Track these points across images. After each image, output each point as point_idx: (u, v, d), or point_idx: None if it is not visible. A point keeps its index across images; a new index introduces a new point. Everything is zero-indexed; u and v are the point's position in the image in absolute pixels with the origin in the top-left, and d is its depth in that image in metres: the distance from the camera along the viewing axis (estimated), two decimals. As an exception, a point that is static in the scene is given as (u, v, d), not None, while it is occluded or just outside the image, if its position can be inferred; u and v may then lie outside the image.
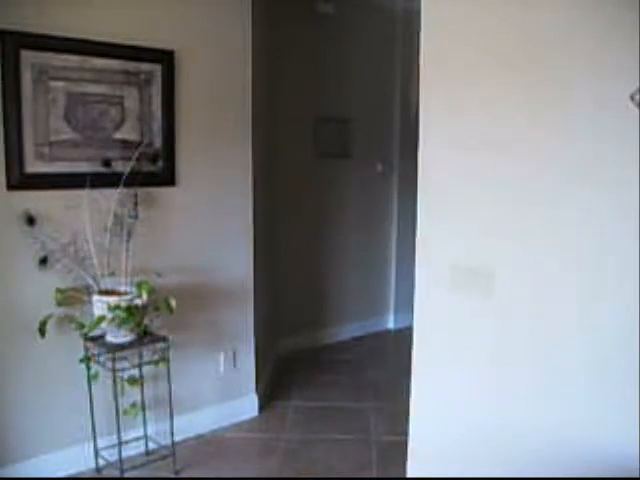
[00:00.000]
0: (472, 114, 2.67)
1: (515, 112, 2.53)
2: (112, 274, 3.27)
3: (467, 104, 2.69)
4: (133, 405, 3.44)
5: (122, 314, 3.07)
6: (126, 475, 3.25)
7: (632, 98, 2.26)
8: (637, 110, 2.20)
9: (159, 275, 3.40)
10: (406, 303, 5.90)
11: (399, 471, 3.20)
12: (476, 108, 2.57)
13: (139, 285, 3.20)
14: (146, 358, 3.39)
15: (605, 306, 2.21)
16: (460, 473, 2.80)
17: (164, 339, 3.34)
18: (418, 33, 2.87)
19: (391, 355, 5.52)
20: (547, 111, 2.43)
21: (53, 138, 3.17)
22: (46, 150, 3.15)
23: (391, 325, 6.12)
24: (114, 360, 3.15)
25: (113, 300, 3.10)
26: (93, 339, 3.24)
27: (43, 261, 3.16)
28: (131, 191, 3.34)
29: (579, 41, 2.33)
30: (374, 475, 3.45)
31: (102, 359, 3.27)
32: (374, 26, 5.57)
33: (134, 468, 3.36)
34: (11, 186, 3.08)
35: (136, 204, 3.37)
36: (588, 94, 2.31)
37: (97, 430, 3.39)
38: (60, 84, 3.16)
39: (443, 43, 2.81)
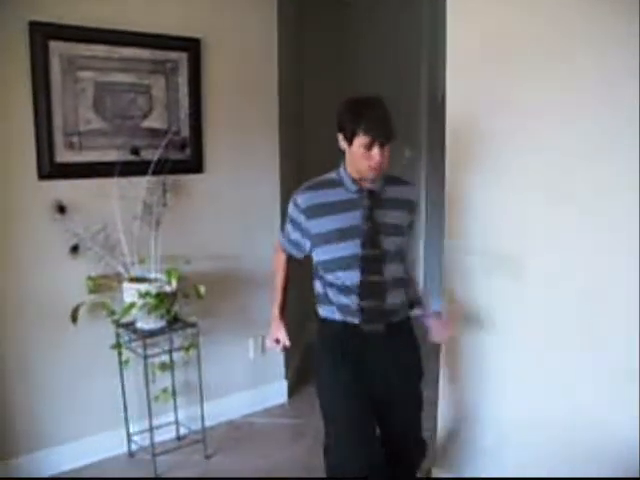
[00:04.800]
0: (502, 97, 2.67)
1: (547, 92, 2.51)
2: (142, 261, 3.30)
3: (496, 85, 2.68)
4: (164, 391, 3.49)
5: (152, 301, 3.11)
6: (158, 459, 3.30)
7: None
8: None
9: (188, 262, 3.42)
10: (434, 288, 5.88)
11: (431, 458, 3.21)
12: (505, 88, 2.54)
13: (168, 272, 3.23)
14: (176, 344, 3.43)
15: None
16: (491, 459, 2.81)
17: (194, 325, 3.38)
18: (444, 16, 2.85)
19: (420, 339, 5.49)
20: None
21: (82, 128, 3.21)
22: (76, 140, 3.19)
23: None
24: (145, 346, 3.19)
25: (143, 287, 3.13)
26: (124, 326, 3.29)
27: (74, 249, 3.21)
28: (160, 179, 3.37)
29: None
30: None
31: (133, 345, 3.31)
32: (400, 10, 5.51)
33: (166, 453, 3.41)
34: (42, 176, 3.12)
35: (164, 192, 3.39)
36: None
37: (129, 415, 3.45)
38: (88, 74, 3.19)
39: (469, 27, 2.80)
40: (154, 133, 3.42)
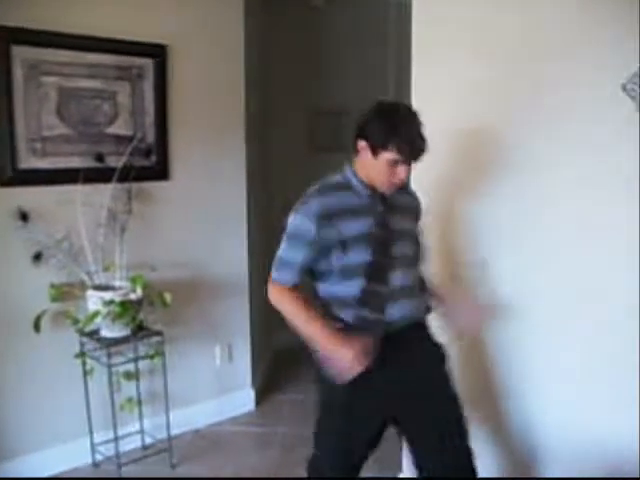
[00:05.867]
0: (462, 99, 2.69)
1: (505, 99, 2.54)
2: (106, 269, 3.27)
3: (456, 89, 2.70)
4: (129, 400, 3.45)
5: (116, 309, 3.07)
6: (124, 469, 3.25)
7: (624, 88, 2.27)
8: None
9: (154, 269, 3.39)
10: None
11: (394, 461, 3.22)
12: (467, 92, 2.56)
13: (133, 280, 3.20)
14: (142, 353, 3.38)
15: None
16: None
17: (159, 333, 3.35)
18: (410, 23, 2.88)
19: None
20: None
21: (46, 133, 3.17)
22: (39, 146, 3.15)
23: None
24: (109, 355, 3.15)
25: (107, 295, 3.10)
26: (88, 334, 3.24)
27: (37, 257, 3.16)
28: (124, 186, 3.34)
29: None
30: (371, 467, 3.45)
31: (97, 354, 3.26)
32: (367, 18, 5.54)
33: (131, 463, 3.36)
34: (4, 182, 3.08)
35: (129, 199, 3.36)
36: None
37: (94, 425, 3.40)
38: (52, 79, 3.15)
39: (433, 32, 2.82)
40: (119, 140, 3.39)
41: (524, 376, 2.63)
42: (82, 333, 3.24)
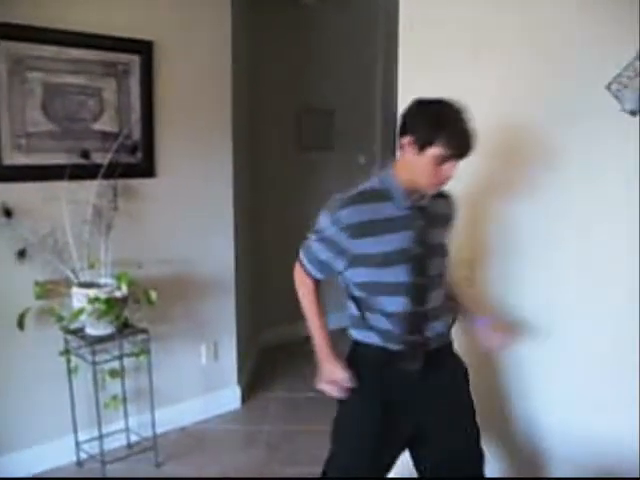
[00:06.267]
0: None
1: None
2: (91, 266, 3.25)
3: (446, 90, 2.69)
4: (114, 398, 3.43)
5: (101, 306, 3.06)
6: (108, 468, 3.24)
7: (608, 88, 2.28)
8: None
9: (140, 267, 3.38)
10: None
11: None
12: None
13: (119, 277, 3.18)
14: (127, 350, 3.37)
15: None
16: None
17: (144, 331, 3.33)
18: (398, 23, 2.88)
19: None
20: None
21: (31, 129, 3.14)
22: (23, 142, 3.12)
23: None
24: (94, 353, 3.13)
25: (92, 292, 3.08)
26: (73, 332, 3.22)
27: (21, 254, 3.13)
28: (110, 183, 3.32)
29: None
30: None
31: (82, 352, 3.25)
32: (356, 16, 5.55)
33: (116, 461, 3.34)
34: (-12, 178, 3.05)
35: (115, 196, 3.34)
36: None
37: (78, 423, 3.38)
38: (37, 75, 3.13)
39: (421, 32, 2.82)
40: (105, 136, 3.36)
41: (525, 377, 2.64)
42: (67, 331, 3.22)
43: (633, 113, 2.24)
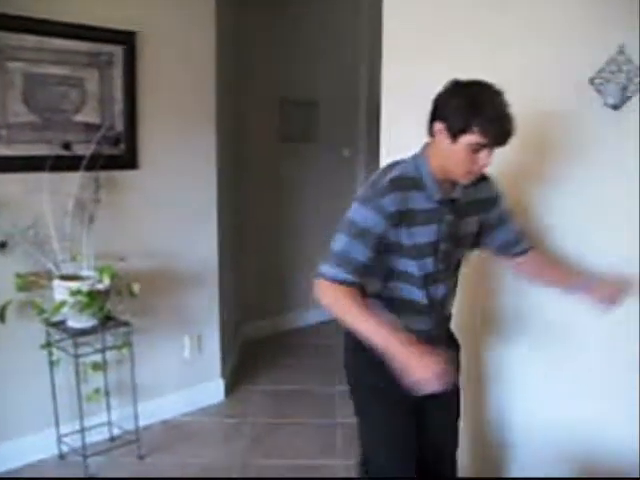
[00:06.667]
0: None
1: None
2: (74, 259, 3.23)
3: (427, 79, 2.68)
4: (97, 391, 3.41)
5: (84, 299, 3.04)
6: (90, 461, 3.22)
7: (591, 82, 2.29)
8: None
9: (122, 259, 3.35)
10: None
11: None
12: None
13: (101, 270, 3.16)
14: (109, 343, 3.35)
15: None
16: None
17: (127, 324, 3.32)
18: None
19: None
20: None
21: (11, 120, 3.10)
22: (4, 133, 3.08)
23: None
24: (76, 345, 3.11)
25: (74, 285, 3.06)
26: (55, 324, 3.20)
27: (2, 246, 3.10)
28: (93, 175, 3.29)
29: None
30: (340, 456, 3.47)
31: (64, 344, 3.23)
32: (340, 8, 5.53)
33: (98, 454, 3.33)
34: (-32, 170, 3.02)
35: (98, 187, 3.32)
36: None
37: (61, 416, 3.36)
38: (18, 65, 3.09)
39: (404, 25, 2.82)
40: (87, 128, 3.33)
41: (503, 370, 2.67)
42: (48, 323, 3.20)
43: (615, 107, 2.25)
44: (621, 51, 2.20)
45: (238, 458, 3.46)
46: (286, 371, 4.68)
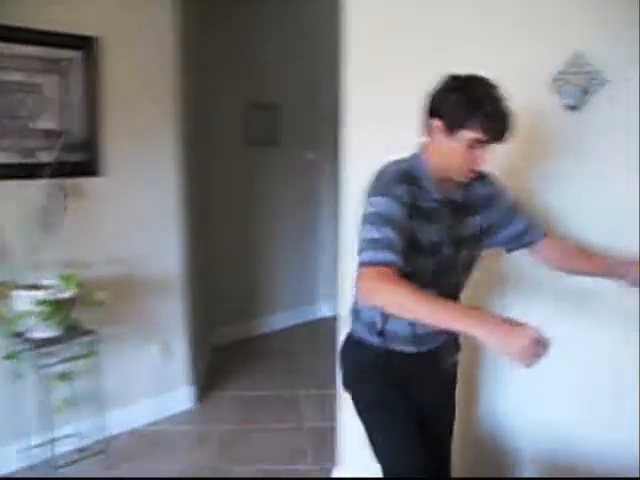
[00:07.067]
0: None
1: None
2: (37, 267, 3.18)
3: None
4: (64, 401, 3.36)
5: (48, 308, 2.99)
6: (59, 472, 3.18)
7: (552, 83, 2.32)
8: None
9: (88, 267, 3.31)
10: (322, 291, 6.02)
11: (332, 457, 3.24)
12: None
13: (65, 278, 3.12)
14: (76, 353, 3.30)
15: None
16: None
17: (92, 332, 3.28)
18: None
19: (325, 343, 5.52)
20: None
21: (-32, 128, 3.06)
22: (-39, 141, 3.04)
23: (326, 313, 6.10)
24: (40, 356, 3.07)
25: (38, 294, 3.01)
26: (18, 335, 3.15)
27: (-37, 256, 3.06)
28: (55, 182, 3.24)
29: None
30: (309, 461, 3.47)
31: (29, 355, 3.17)
32: (304, 11, 5.53)
33: (67, 465, 3.29)
34: None
35: (61, 195, 3.28)
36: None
37: (28, 428, 3.30)
38: (-27, 72, 3.05)
39: (364, 30, 2.83)
40: (48, 134, 3.29)
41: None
42: (12, 334, 3.14)
43: (573, 108, 2.29)
44: (579, 54, 2.24)
45: (207, 465, 3.44)
46: (255, 376, 4.66)
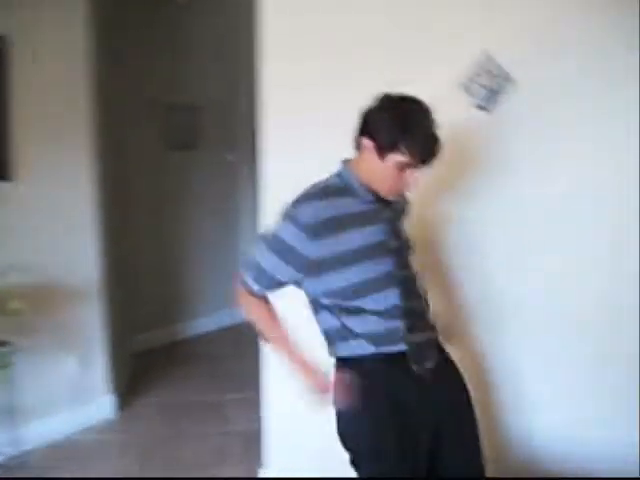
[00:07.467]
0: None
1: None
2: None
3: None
4: (-23, 415, 3.25)
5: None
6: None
7: (462, 84, 2.38)
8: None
9: (1, 275, 3.20)
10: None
11: (258, 459, 3.23)
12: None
13: (-24, 287, 3.01)
14: (-12, 364, 3.19)
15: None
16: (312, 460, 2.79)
17: (5, 343, 3.16)
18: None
19: (250, 346, 5.50)
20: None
21: None
22: None
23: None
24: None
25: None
26: None
27: None
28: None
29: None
30: (235, 464, 3.45)
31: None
32: (221, 11, 5.49)
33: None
34: None
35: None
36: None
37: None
38: None
39: (281, 26, 2.83)
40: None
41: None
42: None
43: (481, 108, 2.34)
44: (488, 56, 2.30)
45: (128, 472, 3.37)
46: (179, 382, 4.60)
